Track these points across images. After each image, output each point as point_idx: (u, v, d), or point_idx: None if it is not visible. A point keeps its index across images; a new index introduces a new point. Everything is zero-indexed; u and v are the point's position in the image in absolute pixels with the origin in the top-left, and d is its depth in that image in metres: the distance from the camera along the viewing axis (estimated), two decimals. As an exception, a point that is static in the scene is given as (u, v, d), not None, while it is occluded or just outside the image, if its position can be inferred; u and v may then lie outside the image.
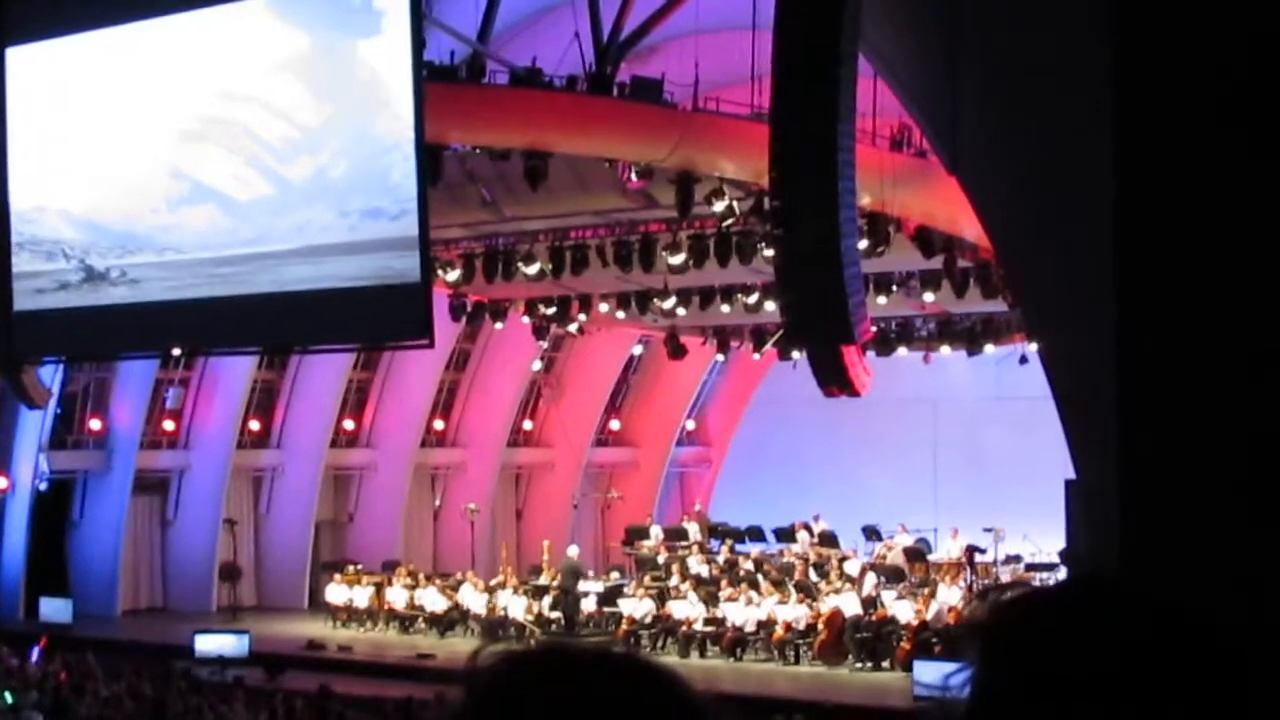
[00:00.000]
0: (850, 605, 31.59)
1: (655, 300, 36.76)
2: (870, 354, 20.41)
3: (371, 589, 37.88)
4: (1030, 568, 34.78)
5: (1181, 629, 2.05)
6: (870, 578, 33.81)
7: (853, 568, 35.12)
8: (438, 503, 46.33)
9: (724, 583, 34.51)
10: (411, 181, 24.19)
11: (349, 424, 44.48)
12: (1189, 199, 6.40)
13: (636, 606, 34.18)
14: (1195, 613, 2.08)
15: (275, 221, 26.11)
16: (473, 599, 36.04)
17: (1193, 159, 6.44)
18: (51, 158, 28.61)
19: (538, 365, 46.44)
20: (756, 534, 39.77)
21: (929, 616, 30.65)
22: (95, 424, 40.43)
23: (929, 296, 34.48)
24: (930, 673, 26.22)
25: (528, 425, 48.21)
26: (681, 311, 37.58)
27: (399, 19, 24.20)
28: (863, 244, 21.52)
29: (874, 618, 31.49)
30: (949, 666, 2.15)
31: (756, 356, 43.59)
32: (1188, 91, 6.42)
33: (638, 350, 48.43)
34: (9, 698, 23.90)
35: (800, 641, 31.89)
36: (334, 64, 25.48)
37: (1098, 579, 2.18)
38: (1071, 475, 15.46)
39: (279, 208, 26.12)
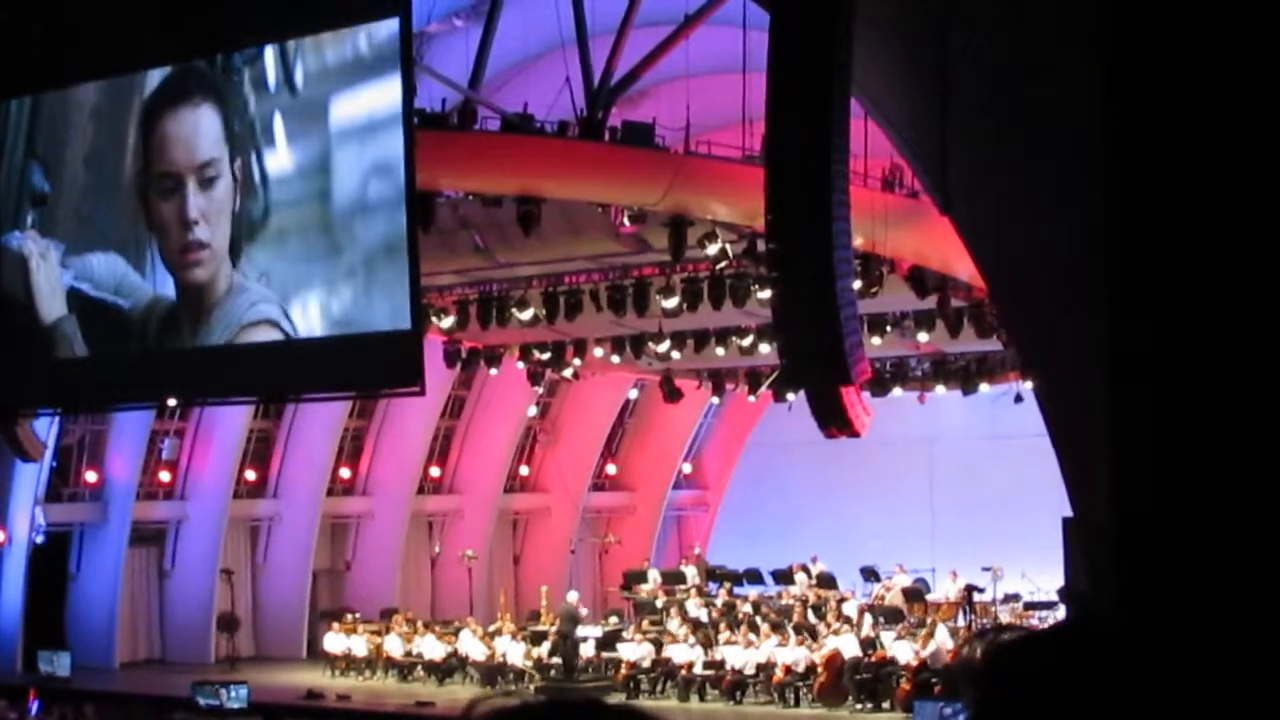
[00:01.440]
0: (849, 647, 31.51)
1: (650, 344, 36.77)
2: (866, 394, 20.36)
3: (369, 637, 37.80)
4: (1029, 606, 34.75)
5: (1175, 671, 2.06)
6: (868, 618, 33.79)
7: (851, 609, 35.07)
8: (435, 550, 46.24)
9: (722, 625, 34.46)
10: (373, 232, 24.28)
11: (345, 472, 44.41)
12: (1183, 237, 6.41)
13: (635, 651, 34.13)
14: (1190, 652, 2.08)
15: (237, 274, 26.09)
16: (471, 646, 35.95)
17: (1188, 199, 6.45)
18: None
19: (533, 411, 46.42)
20: (754, 576, 39.73)
21: (928, 656, 30.59)
22: (91, 476, 40.34)
23: (923, 336, 34.48)
24: (930, 713, 26.17)
25: (524, 471, 48.16)
26: (676, 355, 37.58)
27: (372, 73, 24.28)
28: (856, 285, 21.50)
29: (873, 658, 31.42)
30: (948, 707, 2.15)
31: (752, 399, 43.57)
32: (1182, 134, 6.43)
33: (633, 394, 48.42)
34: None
35: (800, 684, 31.80)
36: (304, 116, 25.46)
37: (1091, 621, 2.18)
38: (1069, 513, 15.46)
39: (240, 257, 26.10)
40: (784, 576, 38.88)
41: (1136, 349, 6.40)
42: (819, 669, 31.47)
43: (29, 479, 38.49)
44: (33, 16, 27.84)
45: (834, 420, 19.01)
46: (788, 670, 31.85)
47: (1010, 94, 14.10)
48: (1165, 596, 6.19)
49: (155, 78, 27.04)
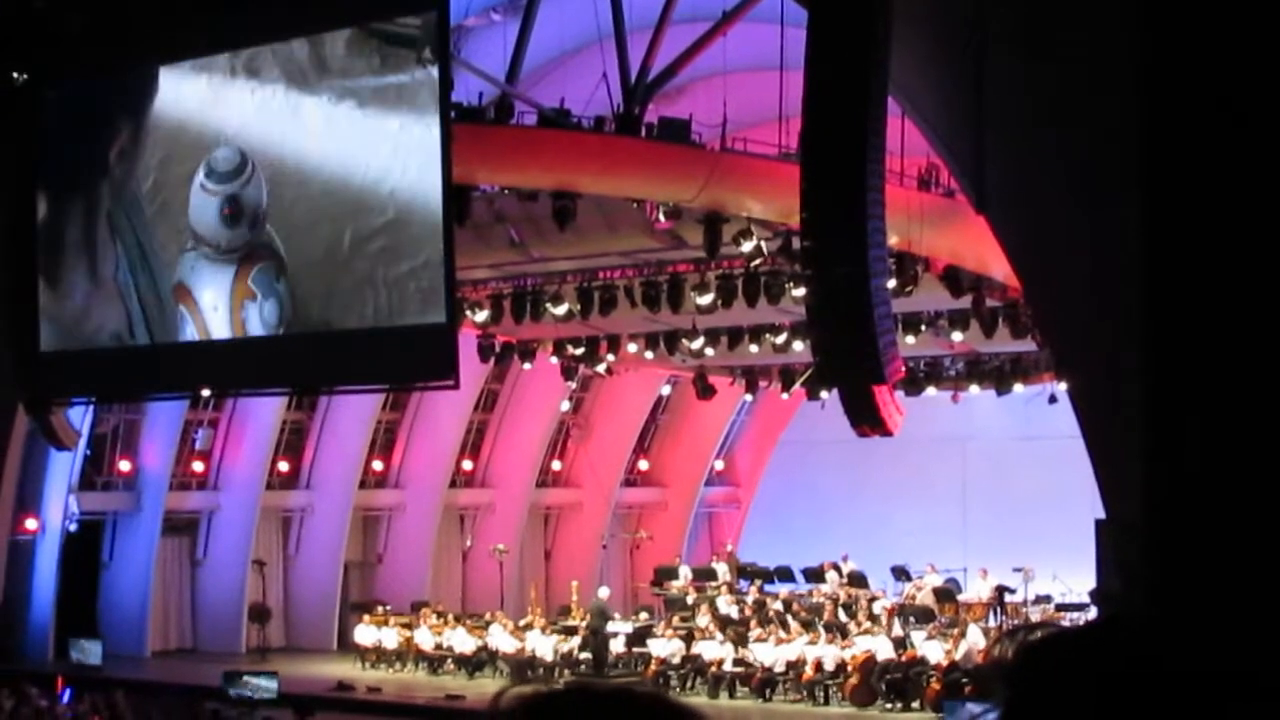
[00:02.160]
0: (882, 648, 31.43)
1: (683, 340, 36.78)
2: (899, 393, 20.34)
3: (400, 630, 37.84)
4: (1060, 608, 34.62)
5: (1206, 669, 2.05)
6: (898, 618, 33.77)
7: (881, 608, 35.04)
8: (467, 543, 46.26)
9: (753, 623, 34.43)
10: (403, 224, 24.37)
11: (378, 465, 44.47)
12: (1217, 241, 6.40)
13: (665, 647, 34.10)
14: (1222, 651, 2.07)
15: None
16: (501, 639, 35.96)
17: (1222, 201, 6.43)
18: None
19: (566, 405, 46.40)
20: (785, 574, 39.67)
21: (958, 657, 30.52)
22: (125, 465, 40.46)
23: (957, 336, 34.40)
24: (960, 714, 26.12)
25: (556, 465, 48.15)
26: (710, 351, 37.59)
27: (408, 64, 24.32)
28: (891, 284, 21.49)
29: (903, 658, 31.34)
30: (978, 708, 2.15)
31: (785, 396, 43.55)
32: (1217, 137, 6.42)
33: (666, 390, 48.42)
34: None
35: (830, 682, 31.73)
36: (338, 104, 25.49)
37: (1123, 619, 2.17)
38: (1101, 514, 15.44)
39: (275, 245, 26.22)
40: (815, 574, 38.83)
41: (1170, 351, 6.38)
42: (850, 669, 31.41)
43: (63, 467, 38.61)
44: (70, 8, 27.96)
45: (867, 419, 19.02)
46: (818, 668, 31.80)
47: (1044, 96, 14.09)
48: (1197, 595, 6.18)
49: (189, 68, 27.11)
